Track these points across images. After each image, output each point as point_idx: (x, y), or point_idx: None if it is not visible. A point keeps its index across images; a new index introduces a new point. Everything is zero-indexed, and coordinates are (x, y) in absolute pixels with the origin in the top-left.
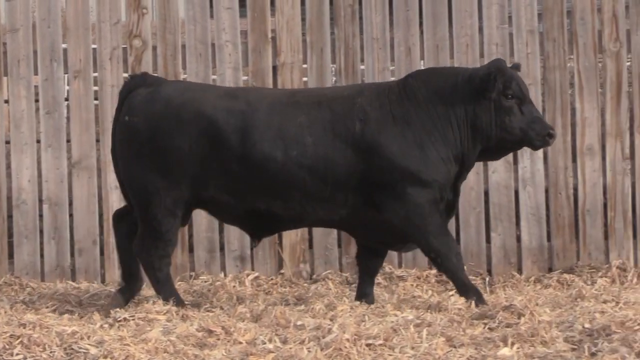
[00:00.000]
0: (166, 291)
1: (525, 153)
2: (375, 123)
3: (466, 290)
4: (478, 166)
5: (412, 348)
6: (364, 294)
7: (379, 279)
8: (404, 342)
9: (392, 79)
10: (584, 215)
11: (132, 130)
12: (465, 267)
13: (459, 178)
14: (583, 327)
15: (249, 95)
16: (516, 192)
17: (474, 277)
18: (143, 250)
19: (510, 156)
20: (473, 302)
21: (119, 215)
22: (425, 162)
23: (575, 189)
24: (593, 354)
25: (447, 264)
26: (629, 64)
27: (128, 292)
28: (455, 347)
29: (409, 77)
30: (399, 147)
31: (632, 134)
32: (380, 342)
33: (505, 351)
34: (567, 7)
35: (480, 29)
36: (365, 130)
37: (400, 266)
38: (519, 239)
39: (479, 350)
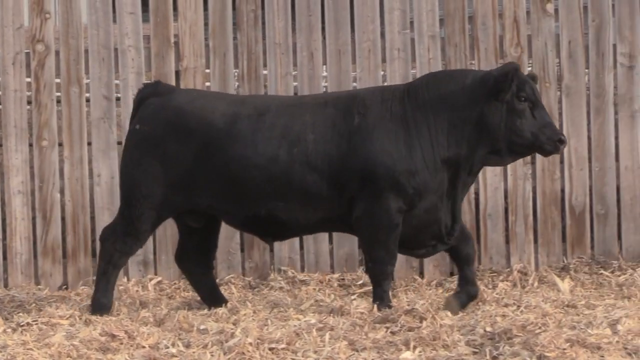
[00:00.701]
0: (103, 288)
1: None
2: (372, 118)
3: (383, 297)
4: None
5: (315, 352)
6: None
7: (281, 282)
8: (307, 346)
9: (295, 84)
10: (485, 219)
11: (139, 137)
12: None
13: (456, 181)
14: (485, 330)
15: (257, 101)
16: None
17: None
18: (109, 239)
19: None
20: (375, 306)
21: (180, 257)
22: (409, 166)
23: (477, 194)
24: (495, 358)
25: (378, 271)
26: (530, 69)
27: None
28: (357, 351)
29: (417, 79)
30: (388, 145)
31: None
32: (283, 346)
33: (407, 355)
34: (468, 12)
35: (382, 34)
36: (362, 124)
37: (303, 270)
38: None
39: (381, 354)
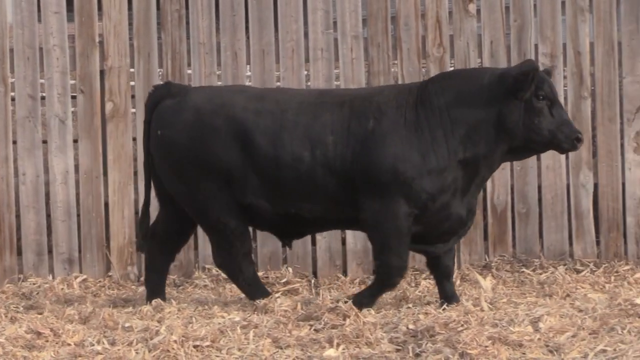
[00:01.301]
0: (257, 291)
1: None
2: (387, 123)
3: (371, 298)
4: None
5: (239, 349)
6: (447, 296)
7: (206, 281)
8: (231, 343)
9: (219, 83)
10: None
11: (166, 143)
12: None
13: (475, 178)
14: (407, 328)
15: (277, 96)
16: None
17: (299, 279)
18: (224, 258)
19: None
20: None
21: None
22: (421, 173)
23: None
24: (417, 355)
25: (385, 276)
26: (452, 69)
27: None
28: (281, 348)
29: (430, 80)
30: (401, 151)
31: None
32: (208, 343)
33: (330, 352)
34: (391, 12)
35: (306, 34)
36: (376, 129)
37: None
38: (344, 241)
39: (305, 351)
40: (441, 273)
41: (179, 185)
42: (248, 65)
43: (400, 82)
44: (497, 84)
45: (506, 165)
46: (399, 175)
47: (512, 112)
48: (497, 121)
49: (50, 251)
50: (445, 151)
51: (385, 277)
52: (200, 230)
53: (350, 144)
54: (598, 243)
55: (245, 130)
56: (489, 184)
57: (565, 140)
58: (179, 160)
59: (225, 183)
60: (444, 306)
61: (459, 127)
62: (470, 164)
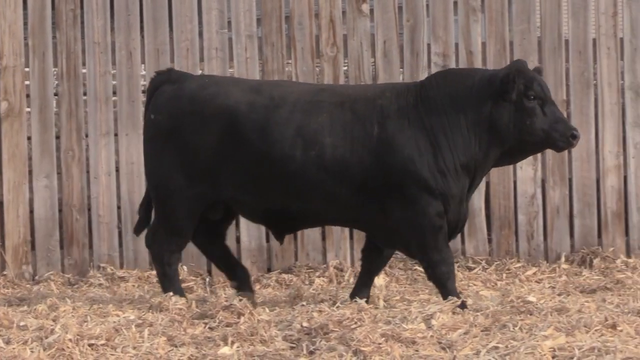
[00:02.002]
0: (171, 287)
1: None
2: (392, 126)
3: (452, 296)
4: None
5: (134, 348)
6: (360, 293)
7: (100, 279)
8: (126, 342)
9: (114, 83)
10: None
11: (155, 127)
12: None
13: (471, 186)
14: (301, 326)
15: (273, 90)
16: None
17: (194, 278)
18: (155, 242)
19: None
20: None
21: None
22: (433, 172)
23: None
24: (311, 352)
25: (438, 274)
26: (345, 68)
27: (243, 284)
28: (176, 347)
29: (426, 80)
30: (410, 153)
31: None
32: (103, 342)
33: (225, 350)
34: (285, 12)
35: (201, 34)
36: (382, 134)
37: (122, 267)
38: (238, 240)
39: (199, 349)
40: (376, 265)
41: (155, 168)
42: (143, 65)
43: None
44: (486, 86)
45: None
46: (414, 176)
47: (502, 114)
48: (489, 123)
49: None
50: (448, 152)
51: (437, 275)
52: (97, 230)
53: (355, 148)
54: (490, 241)
55: (235, 123)
56: None
57: (560, 138)
58: (163, 144)
59: (199, 176)
60: (356, 299)
61: (456, 129)
62: (466, 165)
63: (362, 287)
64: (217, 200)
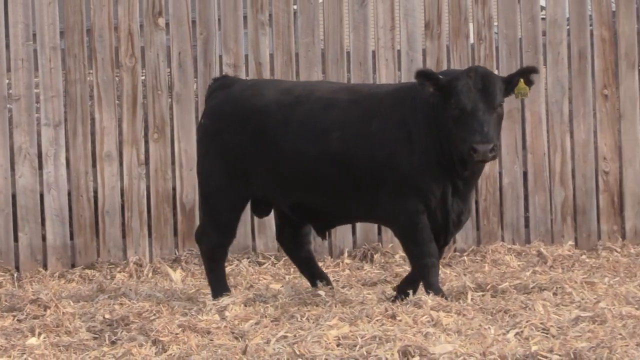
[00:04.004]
0: (217, 282)
1: (49, 159)
2: (385, 123)
3: (432, 289)
4: (6, 171)
5: None
6: (319, 273)
7: None
8: None
9: None
10: (104, 215)
11: (203, 130)
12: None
13: (454, 190)
14: (104, 317)
15: (300, 89)
16: (42, 195)
17: (3, 274)
18: (203, 238)
19: (35, 161)
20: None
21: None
22: (413, 169)
23: (96, 192)
24: (113, 342)
25: (418, 267)
26: (143, 77)
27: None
28: None
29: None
30: (392, 150)
31: (146, 142)
32: None
33: (32, 341)
34: (86, 25)
35: (7, 46)
36: (374, 128)
37: None
38: (44, 238)
39: (8, 340)
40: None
41: (201, 168)
42: None
43: (95, 90)
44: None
45: (193, 166)
46: (397, 172)
47: (440, 120)
48: (440, 130)
49: None
50: (426, 150)
51: (418, 268)
52: None
53: (353, 141)
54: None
55: (264, 123)
56: (178, 183)
57: (464, 150)
58: (208, 146)
59: (237, 175)
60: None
61: (432, 129)
62: (443, 164)
63: (314, 276)
64: (254, 198)
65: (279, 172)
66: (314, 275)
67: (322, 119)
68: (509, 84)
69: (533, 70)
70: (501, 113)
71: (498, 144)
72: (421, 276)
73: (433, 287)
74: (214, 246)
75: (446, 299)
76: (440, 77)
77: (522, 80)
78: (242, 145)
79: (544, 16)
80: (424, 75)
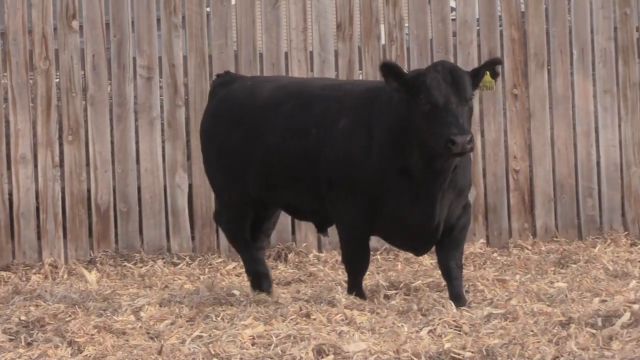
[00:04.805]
0: (250, 263)
1: None
2: (350, 123)
3: (353, 287)
4: None
5: None
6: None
7: None
8: None
9: None
10: (19, 217)
11: (203, 130)
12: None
13: (418, 196)
14: (19, 319)
15: (289, 89)
16: None
17: None
18: (220, 221)
19: None
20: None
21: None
22: (366, 170)
23: (11, 194)
24: (29, 344)
25: (345, 265)
26: (57, 80)
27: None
28: None
29: None
30: (354, 152)
31: (61, 144)
32: None
33: None
34: (0, 29)
35: None
36: (342, 128)
37: None
38: None
39: None
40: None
41: (206, 170)
42: None
43: (9, 93)
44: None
45: (108, 168)
46: (345, 174)
47: (410, 117)
48: (407, 127)
49: None
50: (383, 153)
51: (345, 265)
52: None
53: (325, 140)
54: (193, 238)
55: (255, 124)
56: (92, 185)
57: (438, 143)
58: (206, 147)
59: (236, 176)
60: None
61: (397, 130)
62: (403, 167)
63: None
64: (250, 199)
65: (269, 172)
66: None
67: (303, 118)
68: (476, 77)
69: (497, 61)
70: (472, 106)
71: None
72: (347, 274)
73: (353, 289)
74: (235, 226)
75: (365, 298)
76: (405, 72)
77: (487, 73)
78: (237, 145)
79: (454, 17)
80: (387, 67)
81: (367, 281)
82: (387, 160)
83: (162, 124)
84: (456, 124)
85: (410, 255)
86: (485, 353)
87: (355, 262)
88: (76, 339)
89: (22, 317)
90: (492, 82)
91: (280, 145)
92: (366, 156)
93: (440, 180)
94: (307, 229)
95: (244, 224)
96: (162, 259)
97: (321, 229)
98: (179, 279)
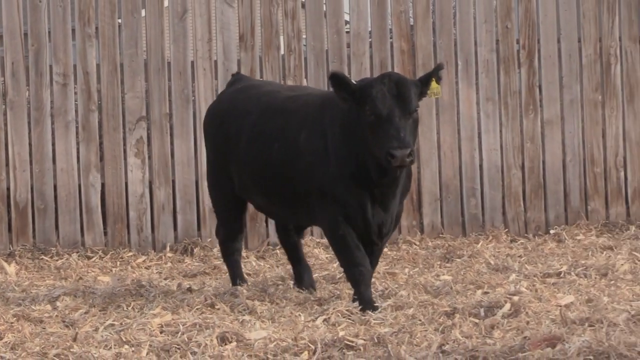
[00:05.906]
0: (231, 274)
1: None
2: (310, 133)
3: (362, 300)
4: None
5: None
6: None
7: None
8: None
9: None
10: None
11: (203, 126)
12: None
13: (373, 200)
14: None
15: (267, 98)
16: None
17: None
18: (217, 235)
19: None
20: (366, 309)
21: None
22: (330, 179)
23: None
24: None
25: (348, 276)
26: None
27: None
28: None
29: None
30: (312, 160)
31: None
32: None
33: None
34: None
35: None
36: (303, 139)
37: None
38: None
39: None
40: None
41: (207, 166)
42: None
43: None
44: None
45: (26, 168)
46: (316, 182)
47: (359, 127)
48: (360, 135)
49: None
50: (340, 160)
51: (348, 278)
52: None
53: (288, 151)
54: (106, 233)
55: (237, 128)
56: (12, 183)
57: (380, 156)
58: (207, 144)
59: (224, 174)
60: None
61: (351, 138)
62: (358, 174)
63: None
64: (236, 197)
65: (243, 176)
66: (294, 262)
67: (265, 130)
68: (425, 85)
69: (441, 67)
70: (416, 118)
71: (414, 148)
72: (352, 286)
73: (363, 298)
74: (223, 242)
75: (375, 310)
76: (353, 82)
77: (434, 80)
78: (222, 146)
79: (348, 30)
80: (335, 78)
81: (268, 274)
82: (342, 168)
83: (77, 127)
84: (397, 137)
85: (307, 249)
86: (376, 340)
87: (354, 267)
88: None
89: None
90: (438, 89)
91: (247, 154)
92: (326, 164)
93: (394, 185)
94: (211, 225)
95: (235, 233)
96: (77, 252)
97: (296, 232)
98: (93, 272)
